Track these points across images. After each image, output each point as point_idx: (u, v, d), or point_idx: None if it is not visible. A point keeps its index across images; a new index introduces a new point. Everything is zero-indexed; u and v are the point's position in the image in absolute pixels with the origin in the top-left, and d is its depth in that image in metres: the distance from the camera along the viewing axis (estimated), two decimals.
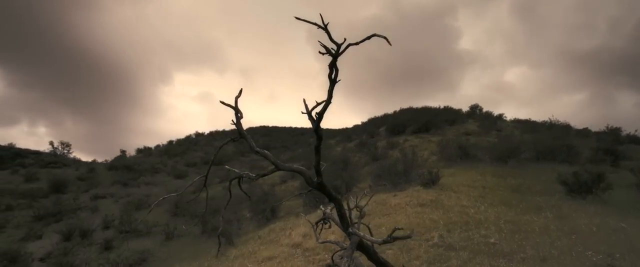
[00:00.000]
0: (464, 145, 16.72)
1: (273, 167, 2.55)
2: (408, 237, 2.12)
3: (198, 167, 26.88)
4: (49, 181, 21.09)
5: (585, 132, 21.24)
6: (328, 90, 2.02)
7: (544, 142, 15.32)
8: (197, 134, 40.18)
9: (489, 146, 16.99)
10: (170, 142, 38.01)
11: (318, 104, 2.15)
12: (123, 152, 32.48)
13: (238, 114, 2.56)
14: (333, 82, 1.96)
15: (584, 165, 10.89)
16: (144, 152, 34.49)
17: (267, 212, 13.58)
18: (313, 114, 2.15)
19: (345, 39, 1.79)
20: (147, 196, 19.00)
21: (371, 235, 3.02)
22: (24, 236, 14.54)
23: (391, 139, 22.15)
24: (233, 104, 2.58)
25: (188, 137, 39.90)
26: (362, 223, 3.32)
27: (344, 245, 3.32)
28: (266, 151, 2.56)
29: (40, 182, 21.50)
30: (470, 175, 12.62)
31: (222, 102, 2.54)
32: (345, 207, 4.07)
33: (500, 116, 27.73)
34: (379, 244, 2.20)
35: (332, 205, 2.87)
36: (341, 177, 14.19)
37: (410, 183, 12.29)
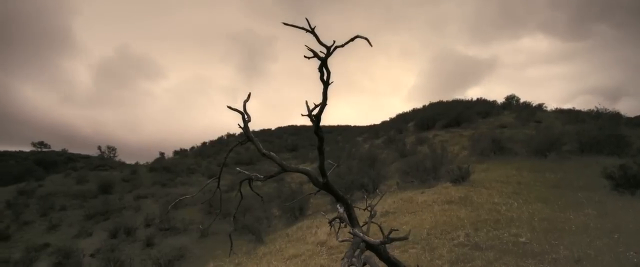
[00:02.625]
0: (498, 138, 15.90)
1: (279, 168, 2.61)
2: (405, 238, 2.09)
3: (230, 167, 27.75)
4: (97, 183, 22.89)
5: (637, 121, 19.35)
6: (322, 93, 2.04)
7: (589, 133, 14.15)
8: (229, 135, 41.61)
9: (526, 138, 16.01)
10: (204, 143, 39.82)
11: (316, 106, 2.17)
12: (162, 154, 34.49)
13: (245, 117, 2.64)
14: (326, 84, 1.98)
15: (634, 157, 9.93)
16: (180, 153, 36.39)
17: (295, 210, 13.81)
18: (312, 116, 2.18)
19: (334, 41, 1.80)
20: (183, 195, 20.03)
21: (383, 234, 2.99)
22: (77, 234, 15.91)
23: (420, 135, 21.57)
24: (241, 109, 2.66)
25: (220, 139, 41.50)
26: (373, 222, 3.30)
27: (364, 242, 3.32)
28: (273, 153, 2.63)
29: (90, 184, 23.37)
30: (504, 170, 11.99)
31: (230, 107, 2.63)
32: (365, 205, 4.05)
33: (540, 106, 25.99)
34: (377, 245, 2.19)
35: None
36: (368, 175, 14.06)
37: (438, 180, 11.92)
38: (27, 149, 39.00)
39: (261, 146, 2.68)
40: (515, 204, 7.52)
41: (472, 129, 20.29)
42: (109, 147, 37.49)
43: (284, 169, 2.59)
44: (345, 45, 1.78)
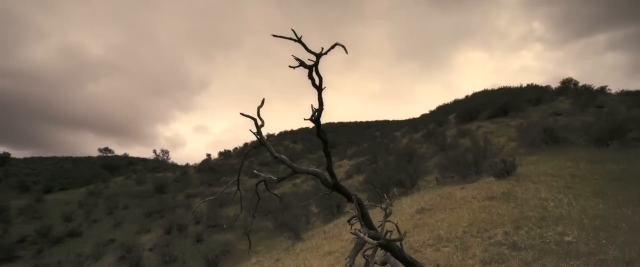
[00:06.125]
0: (551, 127, 14.62)
1: (290, 171, 2.72)
2: (401, 239, 2.07)
3: (270, 166, 28.83)
4: (153, 184, 25.07)
5: None
6: (318, 98, 2.10)
7: None
8: (268, 135, 43.07)
9: (584, 126, 14.51)
10: (246, 144, 41.60)
11: (316, 110, 2.23)
12: (208, 155, 36.70)
13: (258, 123, 2.78)
14: (319, 89, 2.03)
15: None
16: (225, 154, 38.40)
17: (333, 207, 13.96)
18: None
19: (322, 48, 1.85)
20: (227, 194, 21.18)
21: (399, 233, 2.97)
22: (137, 230, 17.58)
23: (462, 127, 20.52)
24: (254, 115, 2.80)
25: (260, 139, 43.04)
26: (389, 221, 3.28)
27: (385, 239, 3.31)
28: (284, 156, 2.74)
29: (147, 185, 25.65)
30: (556, 162, 11.01)
31: (242, 114, 2.79)
32: (384, 206, 4.03)
33: (602, 89, 23.35)
34: (376, 246, 2.19)
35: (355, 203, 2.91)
36: (406, 171, 13.73)
37: (481, 174, 11.28)
38: (95, 154, 44.04)
39: (273, 150, 2.80)
40: (566, 199, 6.90)
41: (520, 118, 18.85)
42: (162, 151, 40.82)
43: (295, 171, 2.69)
44: (328, 53, 1.83)
